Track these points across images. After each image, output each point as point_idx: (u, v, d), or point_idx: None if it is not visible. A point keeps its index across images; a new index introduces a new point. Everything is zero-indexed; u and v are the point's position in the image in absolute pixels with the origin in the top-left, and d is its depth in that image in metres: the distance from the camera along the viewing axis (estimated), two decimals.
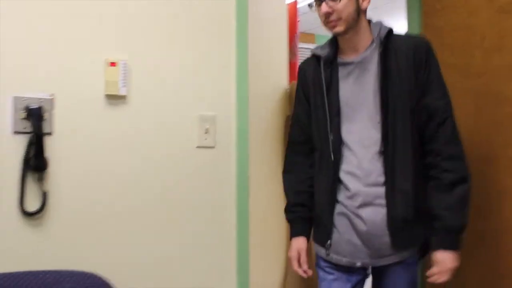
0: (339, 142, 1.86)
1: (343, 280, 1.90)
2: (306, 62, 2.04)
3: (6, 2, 1.79)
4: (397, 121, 1.79)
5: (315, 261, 2.01)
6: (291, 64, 2.65)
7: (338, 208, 1.87)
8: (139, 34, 2.02)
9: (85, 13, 1.92)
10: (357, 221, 1.82)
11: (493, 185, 2.06)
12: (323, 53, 1.92)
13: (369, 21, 1.89)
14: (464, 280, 2.07)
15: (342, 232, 1.86)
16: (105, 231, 1.94)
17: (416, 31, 2.43)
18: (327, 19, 1.81)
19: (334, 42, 1.93)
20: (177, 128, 2.09)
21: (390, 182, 1.79)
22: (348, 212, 1.84)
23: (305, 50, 3.19)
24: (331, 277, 1.92)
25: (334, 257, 1.90)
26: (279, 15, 2.45)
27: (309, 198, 1.97)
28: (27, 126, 1.80)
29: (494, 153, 2.06)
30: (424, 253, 1.90)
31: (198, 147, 2.12)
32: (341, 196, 1.86)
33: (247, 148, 2.21)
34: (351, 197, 1.83)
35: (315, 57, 1.97)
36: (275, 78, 2.39)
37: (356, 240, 1.84)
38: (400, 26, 3.35)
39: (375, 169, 1.81)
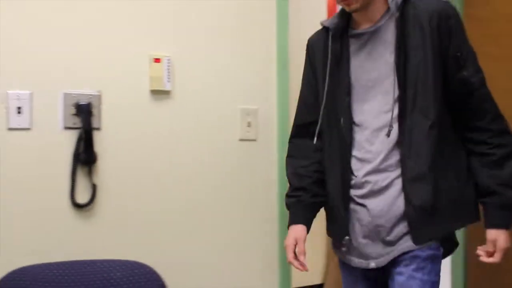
0: (350, 125, 1.67)
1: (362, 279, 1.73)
2: (315, 35, 1.83)
3: (54, 4, 1.86)
4: (418, 97, 1.58)
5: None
6: None
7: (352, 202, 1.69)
8: (182, 30, 2.06)
9: (131, 12, 1.97)
10: (362, 213, 1.65)
11: None
12: (332, 24, 1.70)
13: None
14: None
15: (353, 229, 1.68)
16: (151, 222, 2.00)
17: None
18: None
19: (345, 12, 1.68)
20: (220, 121, 2.13)
21: (405, 167, 1.59)
22: (354, 204, 1.67)
23: None
24: (350, 278, 1.77)
25: (347, 258, 1.73)
26: (318, 9, 2.46)
27: (313, 184, 1.76)
28: (77, 121, 1.87)
29: None
30: (449, 249, 1.71)
31: (240, 140, 2.16)
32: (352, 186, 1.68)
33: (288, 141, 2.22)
34: (359, 186, 1.65)
35: (324, 29, 1.75)
36: None
37: (362, 236, 1.66)
38: None
39: (389, 153, 1.61)
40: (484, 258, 1.62)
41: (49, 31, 1.85)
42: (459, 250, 2.23)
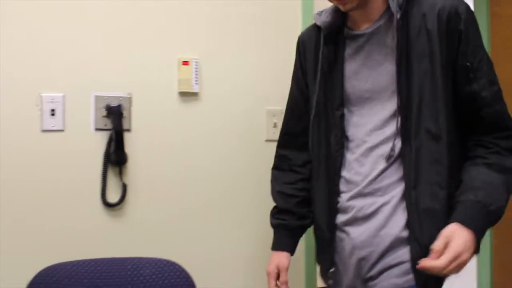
0: (341, 141, 1.47)
1: None
2: (306, 32, 1.62)
3: (87, 9, 1.91)
4: (424, 113, 1.35)
5: None
6: None
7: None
8: (210, 33, 2.10)
9: (159, 15, 2.02)
10: (345, 241, 1.46)
11: None
12: (325, 23, 1.47)
13: None
14: None
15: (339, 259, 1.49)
16: (179, 222, 2.03)
17: (483, 20, 2.35)
18: None
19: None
20: (247, 122, 2.15)
21: (410, 196, 1.36)
22: (339, 232, 1.48)
23: None
24: None
25: None
26: None
27: (299, 204, 1.63)
28: (108, 123, 1.91)
29: None
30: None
31: (267, 140, 2.18)
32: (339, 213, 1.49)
33: None
34: (344, 210, 1.47)
35: (317, 26, 1.53)
36: None
37: (343, 266, 1.47)
38: None
39: (378, 176, 1.40)
40: (424, 262, 1.27)
41: (81, 35, 1.90)
42: (486, 251, 2.22)
